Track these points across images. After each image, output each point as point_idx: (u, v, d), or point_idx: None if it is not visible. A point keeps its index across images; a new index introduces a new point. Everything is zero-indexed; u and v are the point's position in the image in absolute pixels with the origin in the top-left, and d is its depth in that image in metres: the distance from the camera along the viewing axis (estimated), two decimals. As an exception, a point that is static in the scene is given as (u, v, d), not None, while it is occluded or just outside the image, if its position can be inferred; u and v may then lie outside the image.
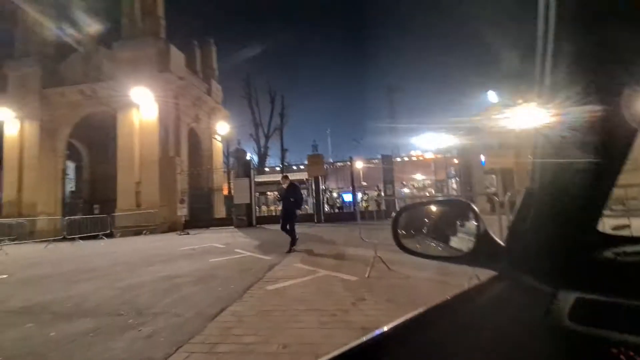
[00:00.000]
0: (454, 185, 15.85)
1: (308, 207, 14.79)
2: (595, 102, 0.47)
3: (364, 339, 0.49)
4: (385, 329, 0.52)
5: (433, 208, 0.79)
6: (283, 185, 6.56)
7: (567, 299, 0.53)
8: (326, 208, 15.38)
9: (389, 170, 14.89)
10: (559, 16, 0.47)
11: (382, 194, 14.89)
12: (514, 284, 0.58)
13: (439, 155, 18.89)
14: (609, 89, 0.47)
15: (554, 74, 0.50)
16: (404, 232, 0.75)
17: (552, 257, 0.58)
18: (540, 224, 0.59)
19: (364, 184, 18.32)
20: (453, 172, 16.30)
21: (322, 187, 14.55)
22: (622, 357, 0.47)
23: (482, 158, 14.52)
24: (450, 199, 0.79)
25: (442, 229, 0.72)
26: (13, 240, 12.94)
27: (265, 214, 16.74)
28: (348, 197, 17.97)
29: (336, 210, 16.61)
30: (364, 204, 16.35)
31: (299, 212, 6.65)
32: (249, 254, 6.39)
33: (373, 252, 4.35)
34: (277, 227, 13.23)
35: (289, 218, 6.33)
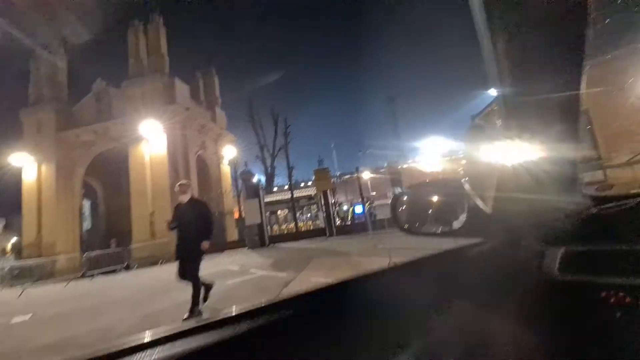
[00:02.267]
0: (466, 185, 15.68)
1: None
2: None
3: (366, 272, 0.55)
4: (386, 266, 0.58)
5: (428, 189, 0.84)
6: (181, 199, 4.05)
7: (556, 253, 0.57)
8: (337, 221, 15.30)
9: (396, 178, 14.86)
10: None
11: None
12: (503, 244, 0.63)
13: (445, 157, 18.80)
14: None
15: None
16: (405, 215, 0.80)
17: (537, 218, 0.62)
18: (522, 191, 0.64)
19: (373, 193, 18.24)
20: (461, 172, 16.18)
21: (331, 200, 14.55)
22: (612, 299, 0.50)
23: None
24: (441, 179, 0.84)
25: (439, 207, 0.77)
26: (35, 281, 13.25)
27: (277, 233, 16.77)
28: (359, 209, 17.90)
29: (348, 223, 16.50)
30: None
31: (206, 245, 3.93)
32: (264, 272, 6.39)
33: (387, 259, 4.32)
34: (291, 245, 13.11)
35: (191, 256, 3.88)
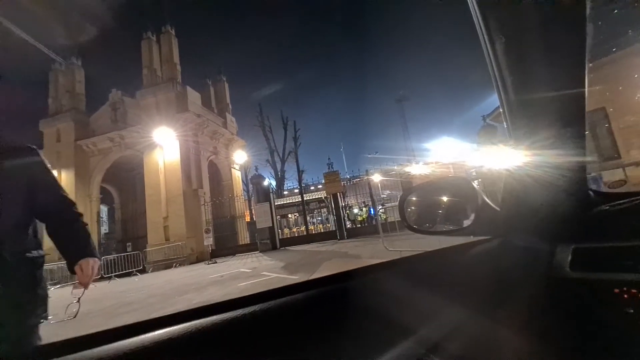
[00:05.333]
0: (477, 187, 15.34)
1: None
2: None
3: (375, 261, 0.55)
4: (397, 257, 0.59)
5: (436, 188, 0.84)
6: None
7: (566, 250, 0.57)
8: (348, 224, 15.23)
9: (407, 181, 14.72)
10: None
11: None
12: (511, 243, 0.62)
13: (456, 160, 18.49)
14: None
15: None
16: (413, 213, 0.80)
17: (546, 215, 0.62)
18: (530, 188, 0.64)
19: (384, 196, 18.07)
20: (474, 173, 15.84)
21: (342, 203, 14.50)
22: (625, 295, 0.50)
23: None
24: (449, 178, 0.84)
25: (448, 206, 0.77)
26: (55, 284, 13.71)
27: (288, 236, 16.84)
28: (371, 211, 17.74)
29: (358, 225, 16.40)
30: (383, 216, 16.06)
31: (91, 273, 1.16)
32: (275, 275, 6.43)
33: (399, 261, 4.29)
34: (302, 248, 13.16)
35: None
